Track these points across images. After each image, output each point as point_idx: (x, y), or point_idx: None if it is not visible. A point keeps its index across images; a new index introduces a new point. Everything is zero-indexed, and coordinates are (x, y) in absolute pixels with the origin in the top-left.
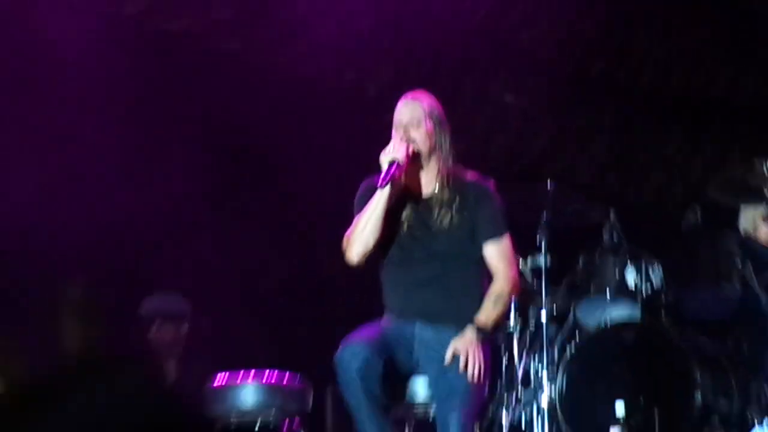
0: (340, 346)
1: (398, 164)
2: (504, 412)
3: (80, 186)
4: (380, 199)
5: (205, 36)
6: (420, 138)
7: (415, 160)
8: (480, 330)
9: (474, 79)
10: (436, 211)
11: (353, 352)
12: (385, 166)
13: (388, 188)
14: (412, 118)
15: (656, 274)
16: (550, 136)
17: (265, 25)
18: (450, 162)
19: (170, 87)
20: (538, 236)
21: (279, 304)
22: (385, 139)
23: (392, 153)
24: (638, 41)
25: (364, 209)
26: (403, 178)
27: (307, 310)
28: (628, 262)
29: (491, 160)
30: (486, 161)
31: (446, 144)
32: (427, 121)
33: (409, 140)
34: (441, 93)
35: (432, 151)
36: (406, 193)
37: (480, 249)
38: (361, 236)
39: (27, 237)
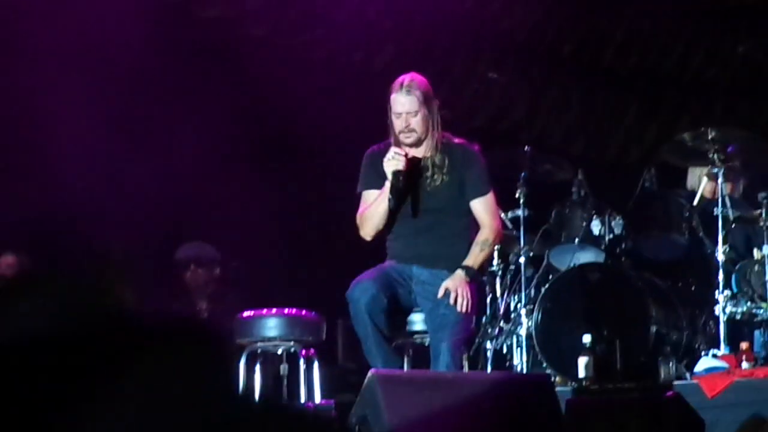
0: (351, 285)
1: (402, 172)
2: (488, 342)
3: (126, 149)
4: (386, 192)
5: (236, 22)
6: (418, 125)
7: (416, 145)
8: (468, 271)
9: (462, 58)
10: (431, 174)
11: (362, 289)
12: (390, 177)
13: (394, 183)
14: (410, 109)
15: (617, 225)
16: (527, 107)
17: (287, 12)
18: (439, 130)
19: (206, 65)
20: (517, 192)
21: (297, 250)
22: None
23: (394, 164)
24: (601, 25)
25: (375, 199)
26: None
27: (321, 256)
28: (594, 214)
29: (476, 128)
30: (472, 129)
31: (436, 117)
32: (422, 108)
33: (408, 129)
34: (433, 69)
35: (428, 129)
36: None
37: (467, 203)
38: (372, 221)
39: (82, 198)
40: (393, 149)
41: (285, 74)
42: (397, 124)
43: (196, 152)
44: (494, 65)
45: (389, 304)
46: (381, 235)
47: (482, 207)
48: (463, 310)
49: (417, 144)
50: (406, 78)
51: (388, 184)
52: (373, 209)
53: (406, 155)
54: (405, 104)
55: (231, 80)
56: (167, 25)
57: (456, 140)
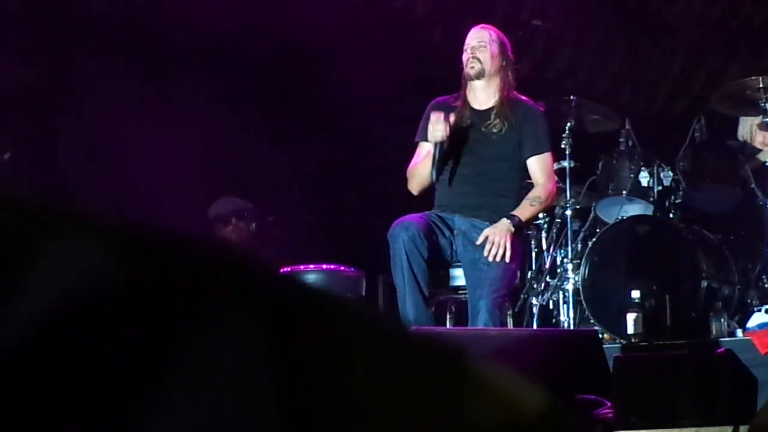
0: (392, 225)
1: (443, 143)
2: (534, 298)
3: (156, 112)
4: (431, 152)
5: None
6: (484, 58)
7: (479, 76)
8: (513, 220)
9: (504, 5)
10: (490, 120)
11: (404, 227)
12: (432, 148)
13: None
14: (480, 42)
15: (666, 176)
16: (571, 55)
17: None
18: (509, 83)
19: (237, 19)
20: (562, 142)
21: (335, 205)
22: (431, 57)
23: (436, 135)
24: None
25: (424, 158)
26: (467, 87)
27: (360, 211)
28: (642, 165)
29: (520, 77)
30: (515, 78)
31: (508, 68)
32: (492, 45)
33: (473, 57)
34: (475, 17)
35: (494, 71)
36: (465, 105)
37: (523, 161)
38: (417, 179)
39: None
40: (434, 115)
41: (320, 22)
42: (465, 57)
43: (230, 108)
44: (537, 12)
45: (429, 250)
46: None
47: (538, 165)
48: (499, 259)
49: (480, 76)
50: (485, 24)
51: (433, 148)
52: (420, 168)
53: (447, 121)
54: (476, 36)
55: (263, 29)
56: None
57: (523, 98)
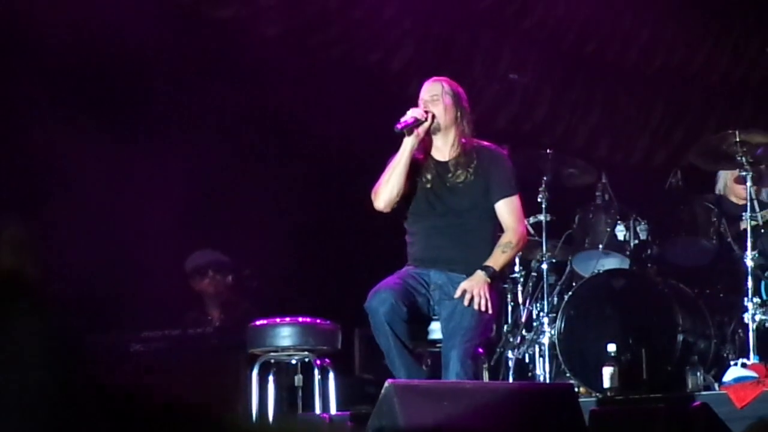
0: (369, 295)
1: (416, 119)
2: (510, 351)
3: (135, 156)
4: (403, 151)
5: (249, 22)
6: (438, 112)
7: (434, 131)
8: (487, 271)
9: (482, 58)
10: (453, 171)
11: (381, 299)
12: (403, 119)
13: (409, 141)
14: (433, 95)
15: (643, 230)
16: (549, 108)
17: (301, 11)
18: (467, 132)
19: (217, 66)
20: (539, 196)
21: (312, 258)
22: (407, 109)
23: (411, 112)
24: (625, 25)
25: (389, 164)
26: (424, 139)
27: (336, 263)
28: (618, 219)
29: (497, 130)
30: (492, 131)
31: (464, 118)
32: (445, 97)
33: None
34: (452, 70)
35: (450, 123)
36: (428, 159)
37: (492, 206)
38: (387, 186)
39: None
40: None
41: (299, 75)
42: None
43: (208, 158)
44: (515, 65)
45: (409, 313)
46: (398, 220)
47: (507, 209)
48: (482, 309)
49: (434, 131)
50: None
51: (403, 145)
52: (388, 174)
53: (427, 111)
54: (429, 90)
55: (244, 82)
56: (177, 27)
57: (484, 143)
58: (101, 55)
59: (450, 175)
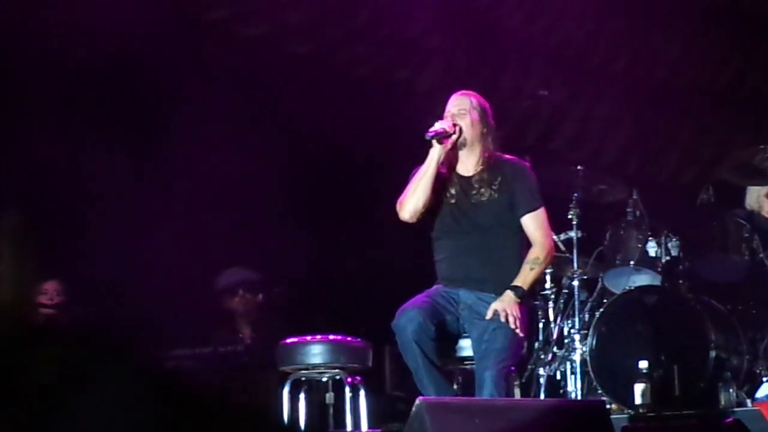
0: (397, 314)
1: (444, 130)
2: (541, 369)
3: (163, 174)
4: (429, 161)
5: (278, 40)
6: (465, 125)
7: (460, 145)
8: (517, 291)
9: (510, 76)
10: (477, 187)
11: (408, 318)
12: (432, 129)
13: (436, 151)
14: (460, 109)
15: (674, 246)
16: (578, 125)
17: (329, 30)
18: (492, 148)
19: (245, 86)
20: (570, 212)
21: (342, 276)
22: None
23: (439, 124)
24: (654, 41)
25: (415, 175)
26: (449, 152)
27: (367, 281)
28: (649, 235)
29: (526, 147)
30: (522, 148)
31: (489, 133)
32: (473, 112)
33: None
34: (481, 87)
35: (476, 137)
36: (453, 173)
37: (518, 221)
38: (413, 196)
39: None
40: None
41: (327, 93)
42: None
43: (235, 176)
44: (544, 82)
45: (437, 331)
46: (425, 238)
47: (533, 223)
48: (515, 330)
49: (460, 144)
50: (464, 90)
51: (430, 155)
52: (415, 184)
53: (454, 123)
54: (456, 103)
55: (272, 100)
56: (206, 46)
57: (506, 157)
58: (123, 70)
59: (474, 192)
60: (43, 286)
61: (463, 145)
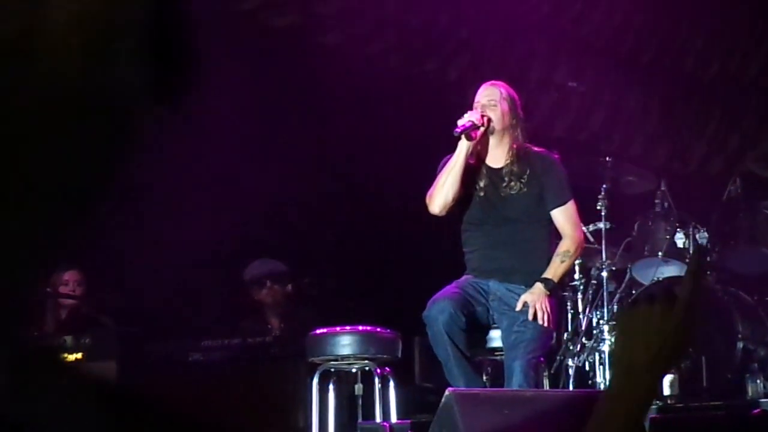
0: (428, 305)
1: (473, 123)
2: (570, 359)
3: (193, 164)
4: (458, 154)
5: (308, 30)
6: (495, 116)
7: (489, 135)
8: (547, 283)
9: (539, 67)
10: (507, 180)
11: (439, 309)
12: (460, 122)
13: (465, 144)
14: (490, 100)
15: (702, 237)
16: (607, 116)
17: (359, 20)
18: (521, 140)
19: (276, 75)
20: (598, 204)
21: (372, 266)
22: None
23: (468, 116)
24: (681, 31)
25: (444, 168)
26: (478, 143)
27: (396, 272)
28: (678, 226)
29: (555, 138)
30: (550, 139)
31: (518, 125)
32: (503, 102)
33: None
34: (509, 78)
35: (505, 129)
36: (481, 165)
37: (548, 213)
38: (442, 189)
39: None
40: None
41: (357, 84)
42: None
43: (265, 167)
44: (572, 74)
45: (467, 322)
46: (455, 229)
47: (563, 216)
48: (544, 323)
49: (489, 134)
50: (494, 80)
51: (459, 148)
52: (444, 177)
53: (483, 115)
54: (486, 94)
55: (302, 90)
56: (236, 33)
57: (535, 149)
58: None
59: (504, 184)
60: (63, 277)
61: (492, 135)
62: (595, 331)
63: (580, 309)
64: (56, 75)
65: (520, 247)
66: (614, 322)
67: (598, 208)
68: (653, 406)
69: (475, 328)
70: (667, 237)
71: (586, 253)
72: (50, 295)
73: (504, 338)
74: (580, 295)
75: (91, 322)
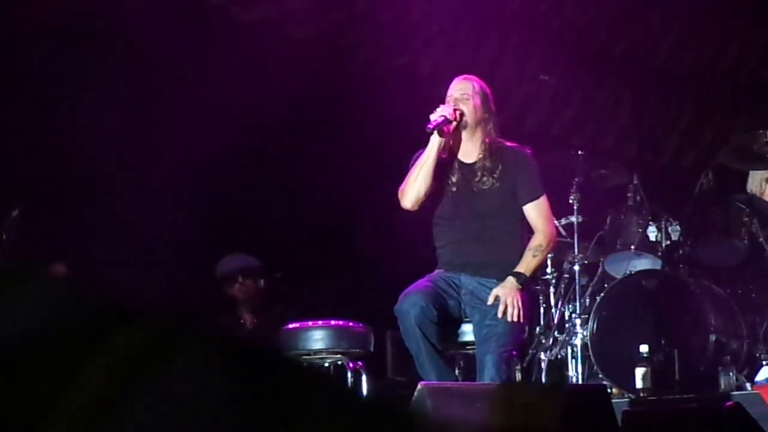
0: (399, 298)
1: (445, 118)
2: (542, 353)
3: (165, 157)
4: (430, 149)
5: (278, 24)
6: (468, 110)
7: (461, 130)
8: (519, 277)
9: (511, 60)
10: (479, 175)
11: (411, 302)
12: (433, 118)
13: (437, 140)
14: (463, 93)
15: (674, 230)
16: (578, 110)
17: (329, 14)
18: (493, 134)
19: (245, 68)
20: (570, 197)
21: (343, 260)
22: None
23: (440, 110)
24: (654, 24)
25: (416, 163)
26: (451, 138)
27: (367, 266)
28: (650, 219)
29: (527, 132)
30: (522, 133)
31: (491, 119)
32: (475, 97)
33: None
34: (481, 72)
35: (478, 123)
36: (453, 160)
37: (520, 208)
38: (414, 184)
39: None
40: (444, 105)
41: (328, 79)
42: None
43: (239, 159)
44: (544, 67)
45: (439, 316)
46: (426, 223)
47: (535, 211)
48: (514, 319)
49: (461, 128)
50: (466, 74)
51: (431, 143)
52: (416, 172)
53: (456, 109)
54: (459, 88)
55: (272, 84)
56: (206, 28)
57: (508, 144)
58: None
59: (476, 179)
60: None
61: (464, 129)
62: (567, 325)
63: (553, 303)
64: None
65: (492, 242)
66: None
67: (570, 201)
68: (625, 399)
69: (447, 322)
70: (640, 230)
71: (559, 247)
72: None
73: (476, 332)
74: (552, 289)
75: None
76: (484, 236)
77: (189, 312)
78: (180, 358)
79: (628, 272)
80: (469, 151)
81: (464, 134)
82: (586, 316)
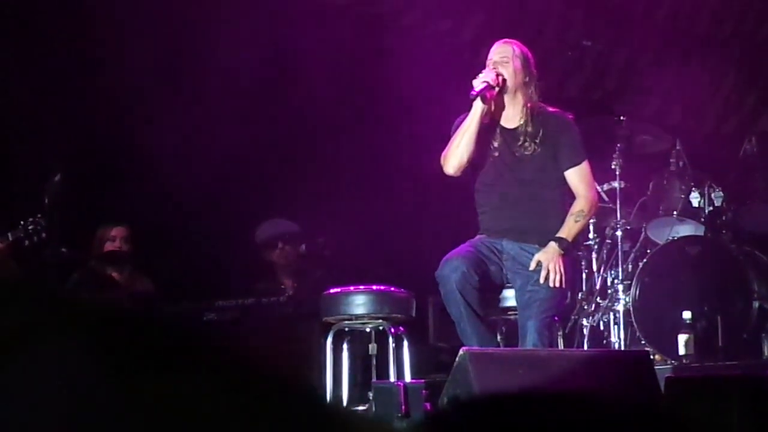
0: (441, 264)
1: (488, 84)
2: (584, 319)
3: (205, 126)
4: (473, 116)
5: None
6: (508, 74)
7: (502, 94)
8: (561, 243)
9: (554, 26)
10: (521, 140)
11: (452, 267)
12: (476, 84)
13: (480, 105)
14: (503, 57)
15: (717, 196)
16: (621, 75)
17: None
18: (534, 98)
19: (291, 32)
20: (613, 163)
21: (386, 225)
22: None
23: (483, 76)
24: None
25: (459, 128)
26: (492, 103)
27: (409, 231)
28: (693, 185)
29: (569, 97)
30: (564, 98)
31: (531, 83)
32: (515, 60)
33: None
34: (524, 37)
35: (518, 87)
36: (495, 125)
37: (561, 174)
38: (457, 150)
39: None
40: (485, 70)
41: (373, 43)
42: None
43: (282, 127)
44: (587, 32)
45: (480, 281)
46: (468, 188)
47: (577, 176)
48: (556, 284)
49: (503, 93)
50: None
51: (474, 109)
52: (458, 139)
53: (498, 74)
54: (499, 51)
55: (319, 48)
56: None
57: (550, 109)
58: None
59: (518, 144)
60: (110, 232)
61: (505, 93)
62: (609, 291)
63: (595, 269)
64: None
65: (534, 207)
66: None
67: (613, 167)
68: (668, 366)
69: (489, 288)
70: (682, 196)
71: (601, 212)
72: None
73: (518, 298)
74: (594, 255)
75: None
76: (526, 202)
77: (55, 288)
78: (42, 339)
79: (670, 238)
80: (511, 116)
81: (506, 99)
82: (629, 282)
